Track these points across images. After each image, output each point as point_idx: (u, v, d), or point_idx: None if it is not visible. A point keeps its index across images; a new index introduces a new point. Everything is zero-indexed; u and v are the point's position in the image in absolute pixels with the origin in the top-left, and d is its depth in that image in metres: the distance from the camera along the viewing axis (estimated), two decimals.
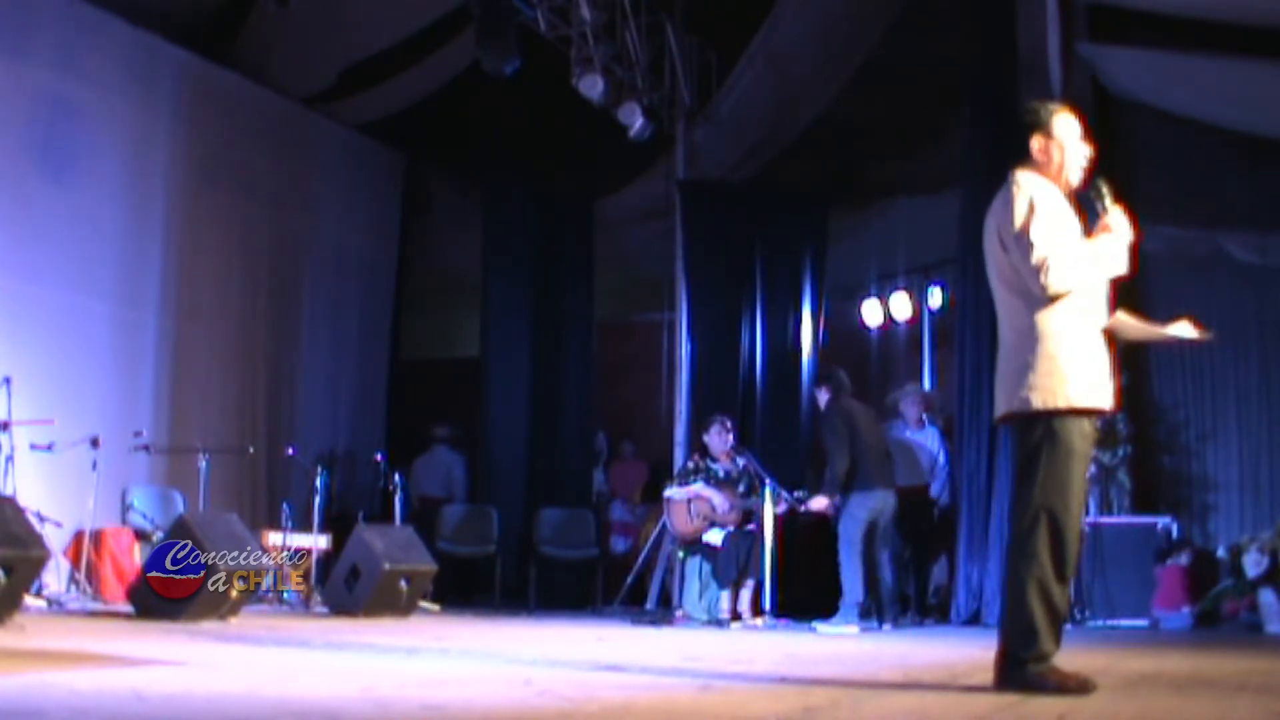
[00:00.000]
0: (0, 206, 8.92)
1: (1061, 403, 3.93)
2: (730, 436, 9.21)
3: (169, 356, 10.20)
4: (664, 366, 11.65)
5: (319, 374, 11.85)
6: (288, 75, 11.36)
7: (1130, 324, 4.25)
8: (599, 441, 12.24)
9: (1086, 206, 4.17)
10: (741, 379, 10.82)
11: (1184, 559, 9.23)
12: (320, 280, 11.94)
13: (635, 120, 10.48)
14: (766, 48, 10.59)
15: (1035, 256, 3.89)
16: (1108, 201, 4.13)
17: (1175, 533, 9.52)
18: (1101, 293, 4.09)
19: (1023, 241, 3.93)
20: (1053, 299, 3.93)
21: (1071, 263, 3.92)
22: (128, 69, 9.93)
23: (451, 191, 13.19)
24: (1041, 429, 3.94)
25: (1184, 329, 4.24)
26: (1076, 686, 3.85)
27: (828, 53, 10.64)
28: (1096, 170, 4.20)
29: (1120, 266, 4.08)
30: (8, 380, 7.90)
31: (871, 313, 12.28)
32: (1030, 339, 3.96)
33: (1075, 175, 4.13)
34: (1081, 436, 3.98)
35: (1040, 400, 3.93)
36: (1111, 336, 4.13)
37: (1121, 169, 10.25)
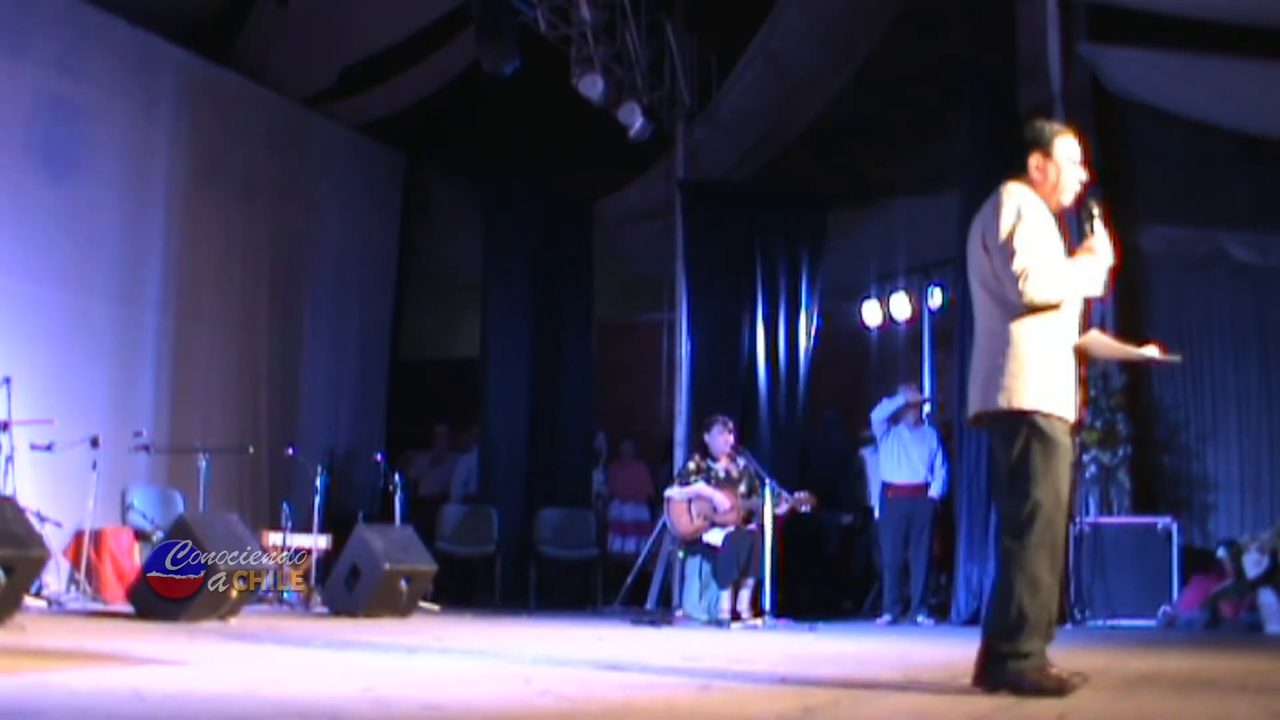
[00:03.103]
0: (0, 206, 8.91)
1: (1029, 405, 3.97)
2: (731, 437, 9.21)
3: (169, 356, 10.19)
4: (664, 366, 11.66)
5: (319, 374, 11.84)
6: (288, 75, 11.36)
7: (1102, 342, 4.36)
8: (599, 441, 12.24)
9: (1073, 226, 4.25)
10: (741, 379, 10.82)
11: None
12: (320, 280, 11.93)
13: (635, 120, 10.48)
14: (766, 48, 10.59)
15: (1017, 265, 3.96)
16: (1096, 223, 4.20)
17: (1176, 533, 9.50)
18: (1075, 309, 4.16)
19: (1006, 249, 3.99)
20: (1028, 309, 3.99)
21: (1051, 276, 3.98)
22: (128, 69, 9.92)
23: (451, 191, 13.19)
24: (1027, 427, 3.97)
25: (1153, 352, 4.36)
26: (1055, 687, 3.83)
27: (828, 53, 10.64)
28: (1091, 188, 4.28)
29: (1096, 288, 4.15)
30: (8, 380, 7.88)
31: (871, 313, 12.29)
32: (1002, 343, 4.03)
33: (1067, 198, 4.21)
34: (1065, 434, 4.03)
35: (1007, 401, 3.98)
36: (1083, 353, 4.18)
37: (1121, 169, 10.28)
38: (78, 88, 9.48)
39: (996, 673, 3.88)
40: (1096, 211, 4.23)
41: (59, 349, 9.22)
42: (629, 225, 12.16)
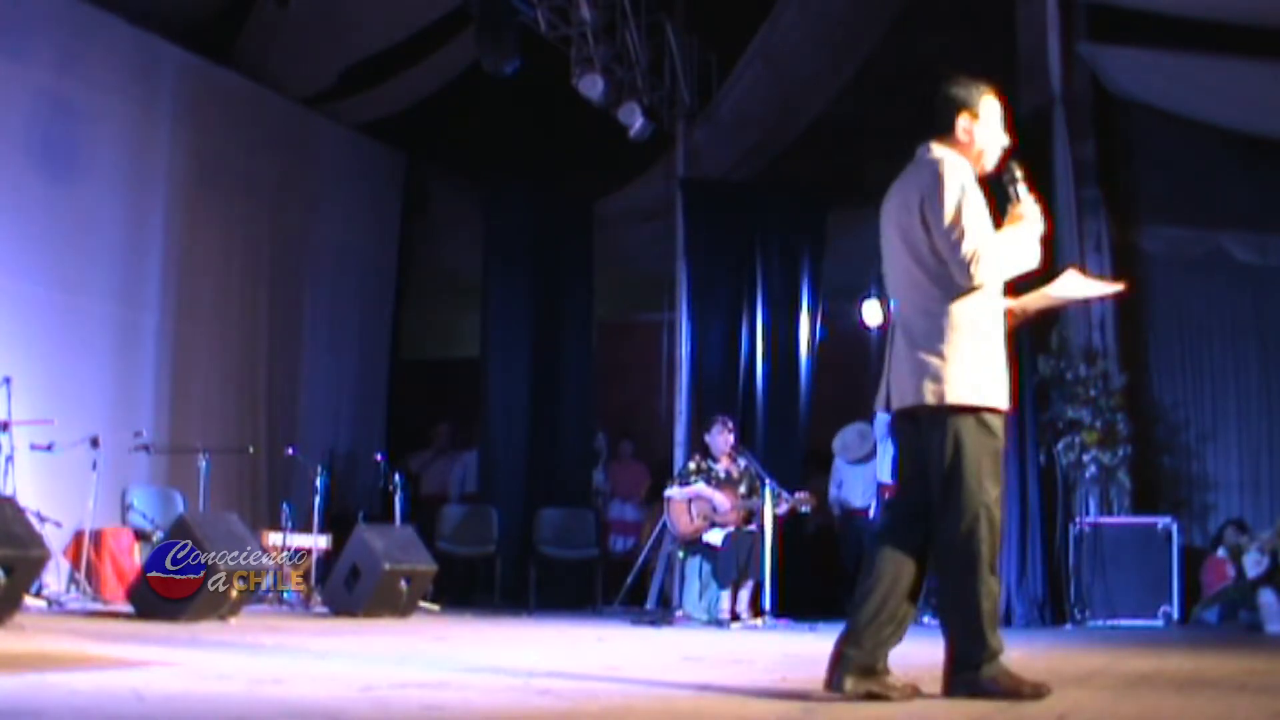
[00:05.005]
0: (0, 206, 8.91)
1: (961, 400, 3.74)
2: (731, 437, 9.21)
3: (169, 356, 10.19)
4: (664, 366, 11.65)
5: (319, 374, 11.84)
6: (288, 75, 11.35)
7: (1030, 297, 4.07)
8: (598, 441, 12.24)
9: (997, 192, 3.96)
10: (741, 379, 10.83)
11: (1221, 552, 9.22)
12: (320, 280, 11.93)
13: (635, 120, 10.48)
14: (766, 48, 10.60)
15: (966, 249, 3.70)
16: (1021, 188, 3.92)
17: (1175, 531, 9.51)
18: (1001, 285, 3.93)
19: (954, 230, 3.73)
20: (970, 290, 3.75)
21: (999, 257, 3.76)
22: (128, 69, 9.92)
23: (451, 191, 13.18)
24: (956, 425, 3.74)
25: (1077, 284, 4.07)
26: (1031, 692, 3.70)
27: (828, 53, 10.65)
28: (1013, 152, 4.02)
29: (1034, 259, 3.87)
30: (8, 380, 7.88)
31: (871, 313, 12.28)
32: (936, 326, 3.77)
33: (990, 162, 3.95)
34: (998, 427, 3.79)
35: (937, 397, 3.74)
36: (1014, 326, 3.98)
37: (1121, 168, 10.29)
38: (77, 88, 9.48)
39: (970, 681, 3.74)
40: (1019, 175, 3.93)
41: (59, 349, 9.21)
42: (629, 225, 12.16)
